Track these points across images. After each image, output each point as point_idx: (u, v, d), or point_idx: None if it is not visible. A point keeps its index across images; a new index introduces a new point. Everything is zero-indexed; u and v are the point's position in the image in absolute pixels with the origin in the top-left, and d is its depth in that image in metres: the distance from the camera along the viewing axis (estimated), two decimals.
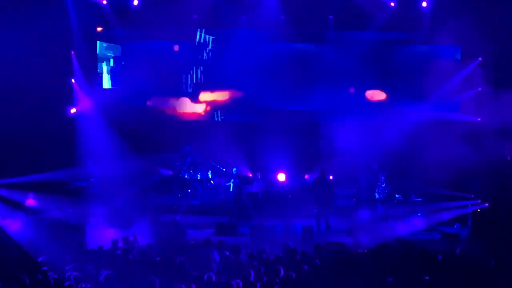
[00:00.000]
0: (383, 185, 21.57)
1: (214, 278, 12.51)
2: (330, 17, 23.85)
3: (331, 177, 22.26)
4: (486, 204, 20.35)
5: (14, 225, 18.91)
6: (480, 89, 23.24)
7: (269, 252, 14.89)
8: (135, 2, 23.94)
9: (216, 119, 25.06)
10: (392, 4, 23.31)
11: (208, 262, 13.88)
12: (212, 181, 23.38)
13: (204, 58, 24.98)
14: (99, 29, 24.61)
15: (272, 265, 13.46)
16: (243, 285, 12.14)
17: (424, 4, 23.37)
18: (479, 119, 23.10)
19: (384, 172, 21.69)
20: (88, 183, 22.51)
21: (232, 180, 22.02)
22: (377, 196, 21.70)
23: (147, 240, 16.43)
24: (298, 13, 23.57)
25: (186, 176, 23.16)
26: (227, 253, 14.49)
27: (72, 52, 23.93)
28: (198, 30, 24.76)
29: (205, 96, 25.15)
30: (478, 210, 20.08)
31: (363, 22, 23.52)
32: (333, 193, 21.78)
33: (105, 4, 23.97)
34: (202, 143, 23.69)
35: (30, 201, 21.37)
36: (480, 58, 23.32)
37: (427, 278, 12.70)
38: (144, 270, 12.86)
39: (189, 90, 25.18)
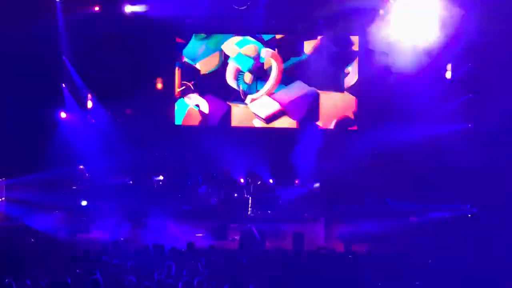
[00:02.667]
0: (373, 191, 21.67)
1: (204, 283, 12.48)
2: (320, 21, 23.84)
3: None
4: (475, 210, 20.40)
5: None
6: (470, 95, 23.31)
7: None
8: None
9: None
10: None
11: (196, 267, 13.83)
12: (202, 186, 23.33)
13: None
14: None
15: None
16: None
17: None
18: (470, 125, 23.17)
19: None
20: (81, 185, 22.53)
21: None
22: (368, 201, 21.79)
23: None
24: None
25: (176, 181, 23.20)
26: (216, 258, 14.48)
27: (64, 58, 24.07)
28: None
29: None
30: (469, 215, 20.13)
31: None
32: None
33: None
34: (193, 147, 23.71)
35: None
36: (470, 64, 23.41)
37: (418, 283, 12.73)
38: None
39: None
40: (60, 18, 23.63)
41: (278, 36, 24.72)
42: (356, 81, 24.59)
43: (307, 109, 24.84)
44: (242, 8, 23.63)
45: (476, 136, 22.67)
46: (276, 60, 24.74)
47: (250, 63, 24.79)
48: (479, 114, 22.50)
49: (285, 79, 24.85)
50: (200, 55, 25.02)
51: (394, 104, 23.05)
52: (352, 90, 24.69)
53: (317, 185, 22.65)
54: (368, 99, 24.21)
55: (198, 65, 25.07)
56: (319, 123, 24.67)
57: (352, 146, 22.34)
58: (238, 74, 24.86)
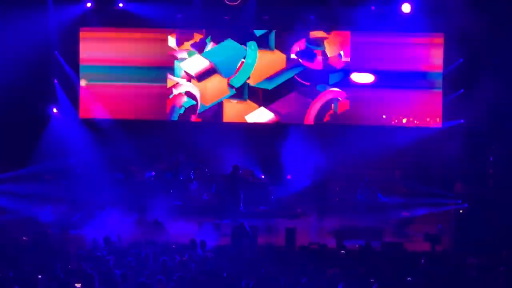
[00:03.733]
0: (364, 186, 21.71)
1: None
2: (311, 16, 23.84)
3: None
4: (466, 205, 20.47)
5: None
6: (462, 90, 23.38)
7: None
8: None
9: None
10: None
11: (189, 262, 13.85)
12: (194, 182, 23.32)
13: None
14: None
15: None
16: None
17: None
18: (462, 121, 23.26)
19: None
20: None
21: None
22: (359, 197, 21.85)
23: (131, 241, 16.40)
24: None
25: (168, 176, 23.19)
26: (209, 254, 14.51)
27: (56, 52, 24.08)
28: None
29: None
30: (461, 211, 20.19)
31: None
32: None
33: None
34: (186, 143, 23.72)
35: None
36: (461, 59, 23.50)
37: (410, 279, 12.74)
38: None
39: None
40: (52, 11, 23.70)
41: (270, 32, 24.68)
42: None
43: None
44: (234, 3, 23.63)
45: (467, 132, 22.80)
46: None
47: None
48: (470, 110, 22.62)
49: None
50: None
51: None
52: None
53: (309, 180, 22.64)
54: None
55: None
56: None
57: (342, 141, 22.39)
58: None
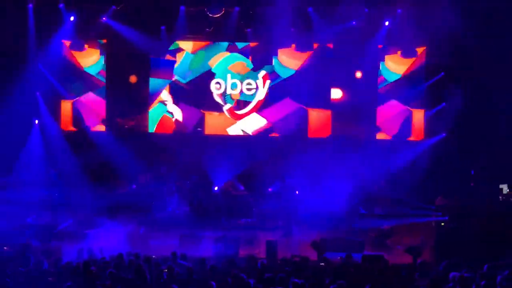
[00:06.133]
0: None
1: None
2: (309, 9, 23.83)
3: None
4: (447, 217, 20.52)
5: None
6: (444, 104, 23.50)
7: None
8: None
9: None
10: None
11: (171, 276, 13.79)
12: (176, 194, 23.26)
13: None
14: None
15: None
16: None
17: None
18: (444, 135, 23.39)
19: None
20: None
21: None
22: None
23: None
24: None
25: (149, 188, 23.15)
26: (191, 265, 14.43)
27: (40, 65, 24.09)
28: None
29: None
30: (442, 223, 20.24)
31: None
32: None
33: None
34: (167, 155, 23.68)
35: None
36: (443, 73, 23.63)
37: None
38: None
39: None
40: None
41: (252, 44, 24.72)
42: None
43: (296, 126, 24.86)
44: (216, 16, 23.66)
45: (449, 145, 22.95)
46: (265, 79, 24.73)
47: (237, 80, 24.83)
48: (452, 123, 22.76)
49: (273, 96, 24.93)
50: (189, 74, 24.98)
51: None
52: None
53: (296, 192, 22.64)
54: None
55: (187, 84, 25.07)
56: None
57: (326, 154, 22.44)
58: (225, 92, 24.84)
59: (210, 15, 23.73)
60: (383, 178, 22.70)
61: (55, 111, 24.84)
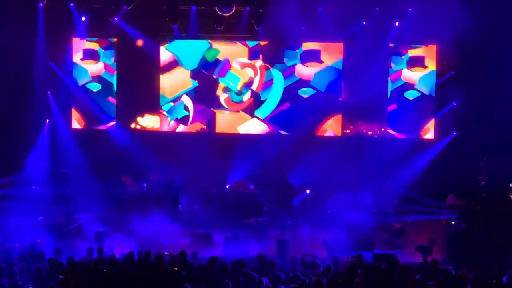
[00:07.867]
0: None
1: None
2: (319, 8, 23.78)
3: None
4: (455, 216, 20.49)
5: None
6: (454, 103, 23.47)
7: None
8: None
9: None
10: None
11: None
12: (186, 193, 23.26)
13: None
14: None
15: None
16: None
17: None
18: (455, 133, 23.40)
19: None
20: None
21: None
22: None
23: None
24: None
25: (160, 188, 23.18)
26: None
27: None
28: None
29: None
30: (452, 222, 20.19)
31: None
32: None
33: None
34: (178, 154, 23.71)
35: None
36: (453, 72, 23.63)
37: None
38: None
39: None
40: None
41: (263, 43, 24.73)
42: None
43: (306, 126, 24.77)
44: (227, 15, 23.69)
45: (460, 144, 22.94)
46: (261, 69, 24.77)
47: (238, 80, 24.85)
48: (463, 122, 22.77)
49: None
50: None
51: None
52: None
53: (308, 191, 22.66)
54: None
55: None
56: None
57: (337, 153, 22.44)
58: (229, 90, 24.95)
59: (221, 14, 23.74)
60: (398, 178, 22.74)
61: (66, 110, 24.87)
